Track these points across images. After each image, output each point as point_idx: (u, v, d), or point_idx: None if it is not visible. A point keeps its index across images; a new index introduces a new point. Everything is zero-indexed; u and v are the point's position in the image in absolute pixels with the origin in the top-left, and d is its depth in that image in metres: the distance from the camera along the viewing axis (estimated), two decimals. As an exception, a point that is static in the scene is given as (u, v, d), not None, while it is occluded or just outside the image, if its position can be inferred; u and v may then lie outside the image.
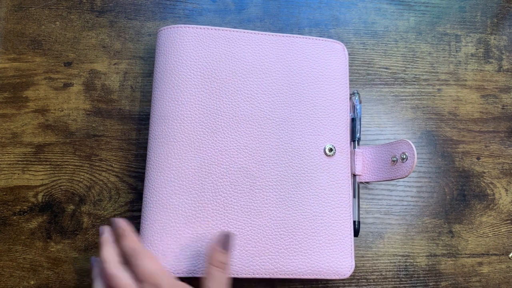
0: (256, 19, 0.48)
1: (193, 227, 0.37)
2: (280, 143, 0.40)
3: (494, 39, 0.51)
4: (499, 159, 0.48)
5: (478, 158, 0.47)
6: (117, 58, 0.46)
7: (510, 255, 0.45)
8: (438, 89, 0.49)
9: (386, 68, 0.49)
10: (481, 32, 0.51)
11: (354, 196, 0.41)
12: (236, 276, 0.37)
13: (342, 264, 0.39)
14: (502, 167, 0.47)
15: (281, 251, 0.38)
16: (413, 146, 0.38)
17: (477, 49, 0.50)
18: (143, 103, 0.45)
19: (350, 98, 0.44)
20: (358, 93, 0.44)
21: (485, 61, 0.50)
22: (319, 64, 0.43)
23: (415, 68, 0.49)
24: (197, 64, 0.40)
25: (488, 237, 0.45)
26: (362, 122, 0.46)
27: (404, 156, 0.39)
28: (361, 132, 0.45)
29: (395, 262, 0.44)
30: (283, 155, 0.40)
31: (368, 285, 0.43)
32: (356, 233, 0.41)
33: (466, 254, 0.45)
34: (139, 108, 0.45)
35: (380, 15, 0.50)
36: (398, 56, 0.49)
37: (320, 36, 0.48)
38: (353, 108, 0.44)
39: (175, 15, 0.48)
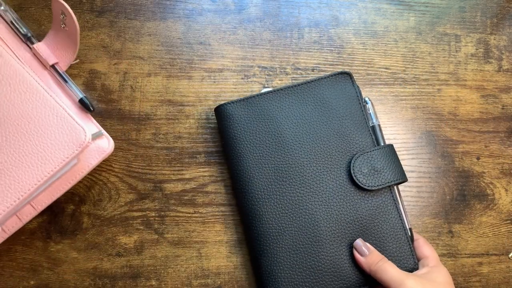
0: (256, 19, 0.48)
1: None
2: None
3: (494, 39, 0.51)
4: (499, 159, 0.48)
5: (478, 158, 0.47)
6: (117, 58, 0.46)
7: (510, 255, 0.45)
8: (438, 89, 0.49)
9: (386, 68, 0.49)
10: (481, 32, 0.51)
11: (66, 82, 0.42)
12: None
13: (74, 136, 0.37)
14: (502, 167, 0.47)
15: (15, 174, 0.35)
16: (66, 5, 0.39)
17: (477, 49, 0.50)
18: (143, 103, 0.45)
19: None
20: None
21: (485, 61, 0.50)
22: None
23: (415, 68, 0.49)
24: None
25: (488, 237, 0.45)
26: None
27: (63, 16, 0.40)
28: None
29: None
30: None
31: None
32: (88, 107, 0.41)
33: (466, 254, 0.45)
34: (138, 108, 0.45)
35: (380, 15, 0.50)
36: (398, 56, 0.49)
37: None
38: None
39: (175, 15, 0.48)
